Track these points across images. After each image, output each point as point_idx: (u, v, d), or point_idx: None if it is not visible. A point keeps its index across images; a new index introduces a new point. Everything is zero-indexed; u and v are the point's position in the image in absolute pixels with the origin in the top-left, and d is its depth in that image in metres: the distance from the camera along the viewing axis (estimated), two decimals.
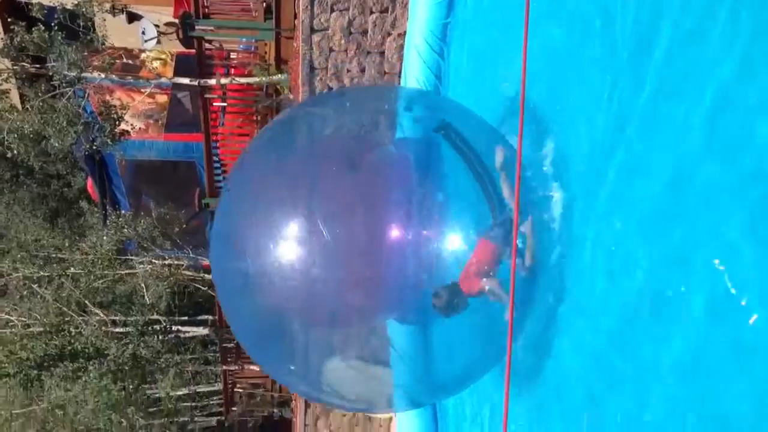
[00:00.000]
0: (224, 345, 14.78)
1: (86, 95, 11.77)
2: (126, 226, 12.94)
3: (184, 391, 16.30)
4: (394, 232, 5.70)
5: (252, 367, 14.39)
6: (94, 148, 11.48)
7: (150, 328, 14.41)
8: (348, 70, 10.13)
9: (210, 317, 15.77)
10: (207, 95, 12.03)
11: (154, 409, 15.75)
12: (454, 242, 5.54)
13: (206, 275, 14.95)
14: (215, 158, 12.79)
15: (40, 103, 11.05)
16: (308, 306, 5.36)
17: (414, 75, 8.44)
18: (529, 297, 5.46)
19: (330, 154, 6.03)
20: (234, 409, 16.24)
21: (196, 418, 17.74)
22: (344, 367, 5.83)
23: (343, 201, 5.81)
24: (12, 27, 11.19)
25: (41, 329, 13.64)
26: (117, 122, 11.49)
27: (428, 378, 6.01)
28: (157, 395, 15.59)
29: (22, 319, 13.80)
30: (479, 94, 7.39)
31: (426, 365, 5.89)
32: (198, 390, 17.17)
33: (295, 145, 6.18)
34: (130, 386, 13.83)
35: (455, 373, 6.00)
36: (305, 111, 6.80)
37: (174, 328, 15.02)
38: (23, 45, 11.05)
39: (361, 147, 6.21)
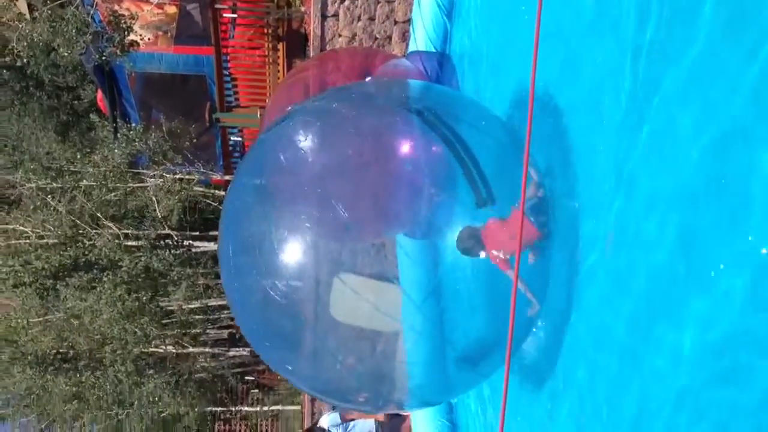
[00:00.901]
0: None
1: (94, 4, 11.54)
2: (137, 139, 12.92)
3: (196, 304, 16.62)
4: (404, 147, 5.70)
5: None
6: (104, 59, 11.34)
7: (162, 242, 14.59)
8: None
9: None
10: (217, 6, 11.77)
11: (168, 320, 16.10)
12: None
13: (217, 191, 15.02)
14: (225, 72, 12.63)
15: (48, 12, 10.85)
16: (318, 215, 5.37)
17: None
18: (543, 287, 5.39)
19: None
20: None
21: (208, 330, 18.14)
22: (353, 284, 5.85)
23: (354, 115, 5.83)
24: None
25: (55, 241, 13.84)
26: (126, 33, 11.30)
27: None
28: (171, 308, 15.92)
29: (36, 230, 13.99)
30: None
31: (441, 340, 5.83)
32: (209, 304, 17.50)
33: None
34: (144, 297, 14.10)
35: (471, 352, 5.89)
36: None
37: (185, 242, 15.19)
38: None
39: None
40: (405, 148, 5.70)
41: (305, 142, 5.62)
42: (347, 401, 6.51)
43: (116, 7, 11.72)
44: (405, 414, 8.32)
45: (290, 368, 6.00)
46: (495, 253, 5.06)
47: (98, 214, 13.95)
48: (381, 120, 5.83)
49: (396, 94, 6.27)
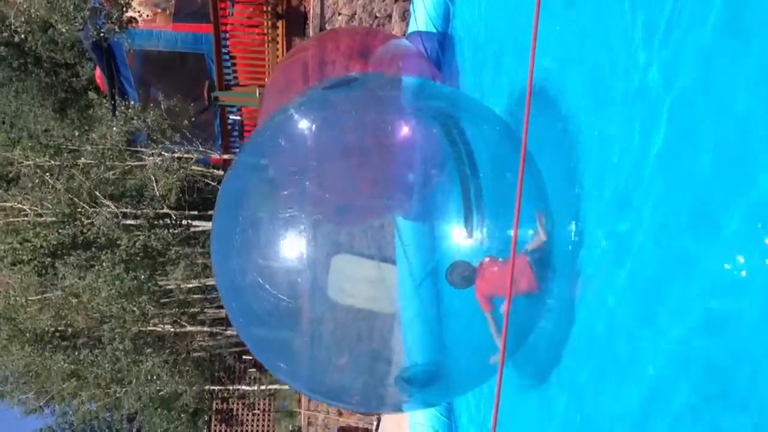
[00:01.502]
0: None
1: None
2: (135, 117, 12.85)
3: (194, 283, 16.63)
4: (403, 129, 5.68)
5: None
6: (102, 35, 11.24)
7: (161, 221, 14.57)
8: None
9: None
10: None
11: (166, 299, 16.12)
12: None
13: (215, 170, 14.97)
14: (224, 50, 12.53)
15: None
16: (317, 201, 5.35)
17: None
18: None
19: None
20: None
21: (206, 309, 18.17)
22: (351, 265, 5.83)
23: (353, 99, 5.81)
24: None
25: (53, 219, 13.81)
26: (124, 9, 11.20)
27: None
28: (169, 286, 15.93)
29: (35, 208, 13.95)
30: None
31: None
32: (207, 283, 17.51)
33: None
34: (142, 276, 14.10)
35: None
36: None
37: (184, 221, 15.17)
38: None
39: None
40: (405, 132, 5.68)
41: (306, 127, 5.60)
42: (340, 398, 6.26)
43: None
44: None
45: (282, 364, 5.86)
46: (483, 291, 5.01)
47: (96, 193, 13.91)
48: (382, 108, 5.81)
49: (397, 86, 6.24)
